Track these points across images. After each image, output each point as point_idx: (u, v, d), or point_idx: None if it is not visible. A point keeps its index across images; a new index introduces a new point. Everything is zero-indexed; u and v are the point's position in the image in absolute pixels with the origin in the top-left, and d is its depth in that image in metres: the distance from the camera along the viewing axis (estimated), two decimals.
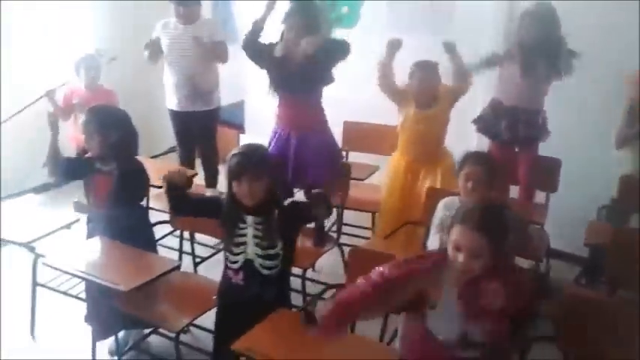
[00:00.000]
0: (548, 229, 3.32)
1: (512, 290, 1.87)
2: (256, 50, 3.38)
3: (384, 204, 3.57)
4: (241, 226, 2.32)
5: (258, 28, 3.38)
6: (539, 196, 3.60)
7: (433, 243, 2.68)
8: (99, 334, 2.88)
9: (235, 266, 2.37)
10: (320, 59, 3.21)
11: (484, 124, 3.60)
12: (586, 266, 3.47)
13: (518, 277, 1.97)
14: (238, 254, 2.34)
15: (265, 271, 2.33)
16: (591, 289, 3.24)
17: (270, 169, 2.33)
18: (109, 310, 2.70)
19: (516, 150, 3.60)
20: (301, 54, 3.20)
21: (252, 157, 2.27)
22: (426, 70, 3.30)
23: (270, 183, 2.29)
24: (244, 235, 2.31)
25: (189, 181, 2.54)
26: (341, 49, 3.27)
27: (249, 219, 2.30)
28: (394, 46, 3.37)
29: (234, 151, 2.32)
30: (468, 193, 2.59)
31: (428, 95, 3.33)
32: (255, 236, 2.30)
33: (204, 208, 2.50)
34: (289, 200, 2.40)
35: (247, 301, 2.36)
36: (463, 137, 3.67)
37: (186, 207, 2.49)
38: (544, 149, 3.58)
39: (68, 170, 2.90)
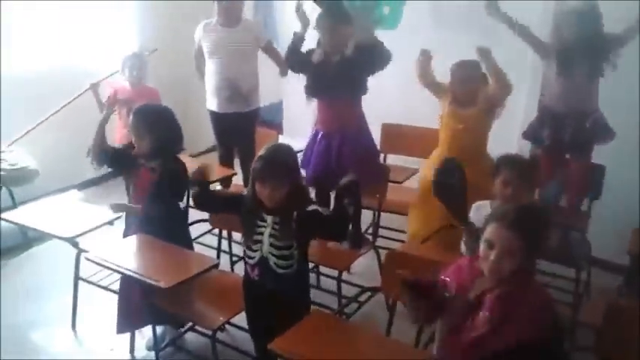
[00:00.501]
0: (591, 236, 3.25)
1: (526, 316, 1.81)
2: (297, 61, 3.39)
3: (420, 202, 3.50)
4: (260, 224, 2.34)
5: (298, 39, 3.39)
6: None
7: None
8: (123, 327, 2.97)
9: (252, 262, 2.41)
10: (360, 63, 3.20)
11: (532, 132, 3.54)
12: (628, 275, 3.38)
13: (537, 298, 1.89)
14: (255, 251, 2.38)
15: (280, 270, 2.35)
16: (633, 298, 3.15)
17: (293, 172, 2.34)
18: (138, 304, 2.79)
19: (567, 156, 3.52)
20: (341, 58, 3.18)
21: (277, 161, 2.28)
22: (466, 70, 3.24)
23: (293, 186, 2.29)
24: (261, 234, 2.34)
25: (211, 176, 2.62)
26: (379, 59, 3.25)
27: (269, 218, 2.33)
28: (425, 57, 3.33)
29: (261, 152, 2.33)
30: (506, 198, 2.54)
31: (466, 95, 3.27)
32: (271, 235, 2.32)
33: (224, 204, 2.59)
34: (312, 207, 2.38)
35: (264, 295, 2.41)
36: (503, 140, 3.62)
37: (208, 202, 2.57)
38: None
39: (113, 159, 2.97)
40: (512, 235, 1.78)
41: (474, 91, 3.24)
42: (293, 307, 2.35)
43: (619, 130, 3.40)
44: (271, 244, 2.33)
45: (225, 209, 2.63)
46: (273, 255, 2.34)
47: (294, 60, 3.43)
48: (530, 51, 3.56)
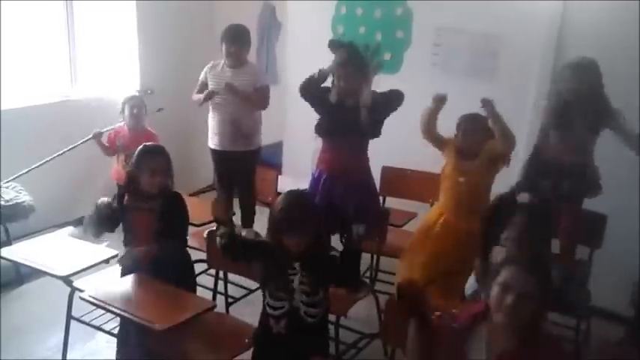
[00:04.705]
0: (592, 286, 3.22)
1: None
2: (314, 94, 3.32)
3: (412, 250, 3.45)
4: (289, 272, 2.29)
5: (322, 75, 3.31)
6: (583, 252, 3.49)
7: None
8: None
9: (277, 313, 2.32)
10: (376, 110, 3.21)
11: (525, 182, 3.52)
12: (631, 326, 3.33)
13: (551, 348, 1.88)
14: (282, 300, 2.30)
15: (309, 319, 2.30)
16: (636, 350, 3.10)
17: (316, 218, 2.31)
18: (139, 347, 2.70)
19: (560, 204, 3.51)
20: (360, 104, 3.19)
21: (299, 209, 2.26)
22: (472, 123, 3.21)
23: (317, 231, 2.28)
24: (291, 282, 2.27)
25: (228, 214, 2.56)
26: (395, 101, 3.24)
27: (297, 265, 2.28)
28: (440, 101, 3.28)
29: (281, 203, 2.29)
30: (517, 244, 2.52)
31: (470, 148, 3.23)
32: (302, 282, 2.27)
33: (252, 251, 2.44)
34: (332, 253, 2.37)
35: (289, 349, 2.32)
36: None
37: (238, 251, 2.44)
38: (589, 202, 3.49)
39: (115, 223, 2.88)
40: (530, 278, 1.78)
41: (478, 143, 3.21)
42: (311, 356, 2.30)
43: (620, 178, 3.41)
44: (302, 292, 2.27)
45: (252, 256, 2.46)
46: (304, 304, 2.28)
47: (312, 91, 3.32)
48: (530, 97, 3.59)
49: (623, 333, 3.32)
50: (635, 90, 3.36)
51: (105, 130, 4.19)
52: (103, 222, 2.82)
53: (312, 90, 3.31)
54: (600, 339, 3.32)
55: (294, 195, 2.35)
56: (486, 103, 3.09)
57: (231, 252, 2.44)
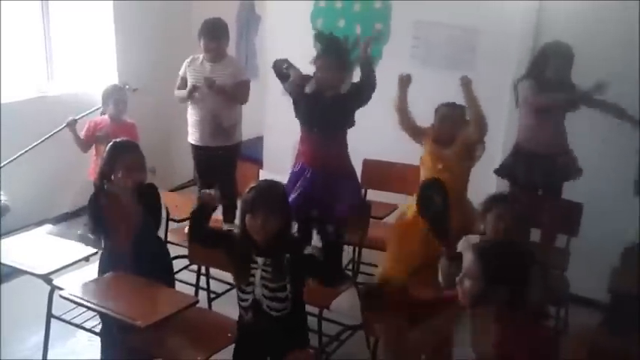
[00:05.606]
0: (570, 273, 3.26)
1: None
2: (286, 75, 3.34)
3: (394, 242, 3.48)
4: (251, 266, 2.30)
5: (287, 70, 3.34)
6: (561, 240, 3.55)
7: None
8: None
9: (244, 304, 2.36)
10: (351, 100, 3.22)
11: (505, 169, 3.59)
12: (609, 313, 3.39)
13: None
14: (247, 293, 2.33)
15: (274, 313, 2.30)
16: (614, 337, 3.16)
17: (285, 207, 2.33)
18: (121, 344, 2.68)
19: (539, 193, 3.57)
20: (334, 94, 3.20)
21: (269, 192, 2.28)
22: (449, 109, 3.27)
23: (284, 222, 2.27)
24: (253, 276, 2.29)
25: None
26: (366, 92, 3.26)
27: (259, 260, 2.29)
28: (404, 82, 3.33)
29: (252, 184, 2.33)
30: (499, 233, 2.55)
31: (447, 135, 3.29)
32: (263, 277, 2.28)
33: (219, 239, 2.47)
34: (308, 252, 2.36)
35: (258, 338, 2.35)
36: (482, 182, 3.67)
37: (205, 235, 2.47)
38: (564, 190, 3.55)
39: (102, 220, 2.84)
40: (479, 262, 1.85)
41: (454, 130, 3.27)
42: (289, 350, 2.31)
43: (600, 167, 3.47)
44: (264, 286, 2.28)
45: (218, 245, 2.49)
46: (267, 298, 2.29)
47: (284, 74, 3.35)
48: (508, 90, 3.64)
49: (600, 320, 3.39)
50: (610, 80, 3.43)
51: (78, 117, 4.12)
52: (98, 223, 2.79)
53: (278, 71, 3.33)
54: (579, 326, 3.38)
55: (266, 180, 2.42)
56: (466, 82, 3.17)
57: (197, 237, 2.48)
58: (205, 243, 2.58)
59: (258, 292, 2.29)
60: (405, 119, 3.36)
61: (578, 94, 3.36)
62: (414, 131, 3.39)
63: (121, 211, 2.79)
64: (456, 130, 3.27)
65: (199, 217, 2.43)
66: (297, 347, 2.34)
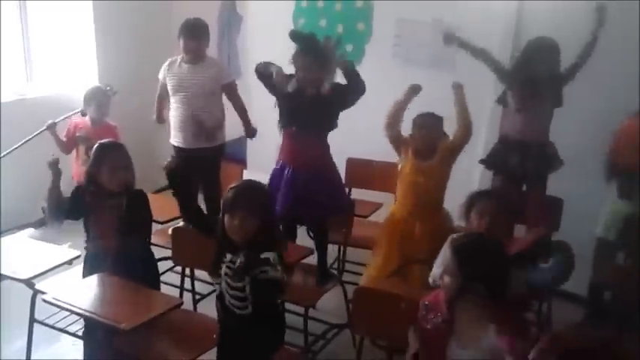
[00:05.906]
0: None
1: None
2: (268, 81, 3.34)
3: (381, 242, 3.50)
4: (223, 259, 2.31)
5: (269, 75, 3.35)
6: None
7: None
8: None
9: (216, 294, 2.40)
10: (334, 101, 3.22)
11: (493, 160, 3.61)
12: (590, 307, 3.43)
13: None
14: (218, 284, 2.37)
15: (236, 310, 2.31)
16: (596, 330, 3.20)
17: (265, 207, 2.31)
18: (106, 347, 2.66)
19: (524, 188, 3.60)
20: (316, 93, 3.20)
21: (248, 192, 2.26)
22: (428, 120, 3.25)
23: (263, 222, 2.24)
24: (220, 268, 2.32)
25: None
26: (352, 95, 3.24)
27: (228, 256, 2.28)
28: (415, 91, 3.33)
29: (233, 184, 2.32)
30: (482, 230, 2.57)
31: (427, 146, 3.27)
32: (226, 274, 2.29)
33: (209, 224, 2.54)
34: (271, 276, 2.23)
35: (232, 337, 2.38)
36: (466, 175, 3.69)
37: (196, 216, 2.64)
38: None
39: (70, 212, 2.84)
40: (455, 257, 1.91)
41: (434, 140, 3.26)
42: (258, 348, 2.30)
43: (582, 161, 3.50)
44: (226, 282, 2.30)
45: (206, 231, 2.56)
46: (228, 293, 2.31)
47: (266, 75, 3.36)
48: (489, 88, 3.67)
49: (582, 314, 3.43)
50: (589, 75, 3.47)
51: (58, 120, 4.08)
52: (53, 211, 2.80)
53: (265, 81, 3.34)
54: (561, 321, 3.42)
55: (247, 180, 2.43)
56: (457, 87, 3.21)
57: (195, 223, 2.66)
58: (195, 222, 2.78)
59: (223, 285, 2.31)
60: (394, 126, 3.33)
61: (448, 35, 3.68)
62: (398, 141, 3.36)
63: (106, 213, 2.77)
64: (437, 140, 3.27)
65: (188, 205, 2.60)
66: (265, 345, 2.33)
